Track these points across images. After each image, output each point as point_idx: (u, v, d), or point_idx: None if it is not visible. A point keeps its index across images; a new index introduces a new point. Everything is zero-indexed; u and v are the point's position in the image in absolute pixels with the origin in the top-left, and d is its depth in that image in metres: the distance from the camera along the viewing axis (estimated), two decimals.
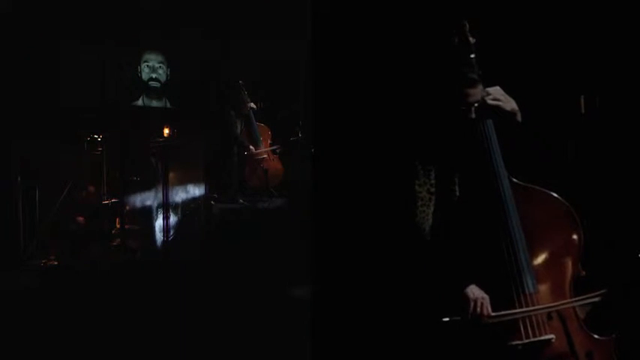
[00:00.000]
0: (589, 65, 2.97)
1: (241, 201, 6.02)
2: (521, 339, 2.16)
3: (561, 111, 2.98)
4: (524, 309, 2.16)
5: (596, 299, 2.23)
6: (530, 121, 2.37)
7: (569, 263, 2.28)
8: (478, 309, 2.11)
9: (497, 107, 2.27)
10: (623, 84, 2.96)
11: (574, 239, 2.28)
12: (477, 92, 2.24)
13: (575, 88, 3.01)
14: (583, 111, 3.01)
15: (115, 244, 5.03)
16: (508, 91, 2.32)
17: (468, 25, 2.28)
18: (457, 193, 2.30)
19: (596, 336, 2.26)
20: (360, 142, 3.06)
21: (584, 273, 2.28)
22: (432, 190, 2.27)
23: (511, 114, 2.29)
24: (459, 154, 2.30)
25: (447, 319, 2.11)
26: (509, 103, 2.30)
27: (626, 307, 2.64)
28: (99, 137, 5.04)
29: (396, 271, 2.62)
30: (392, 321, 2.74)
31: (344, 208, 3.08)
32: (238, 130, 6.37)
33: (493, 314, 2.13)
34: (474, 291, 2.13)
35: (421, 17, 2.89)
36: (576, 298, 2.23)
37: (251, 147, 6.37)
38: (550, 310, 2.20)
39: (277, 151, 6.47)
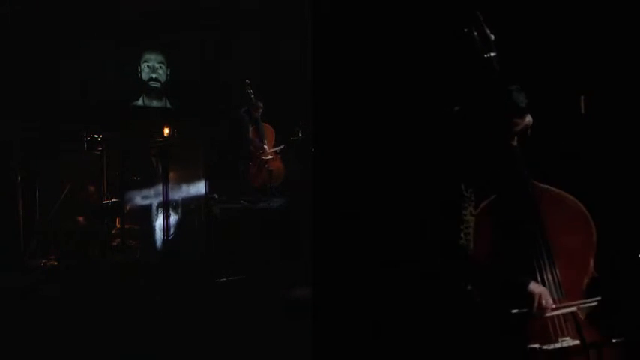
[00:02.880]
0: (589, 65, 2.97)
1: (242, 201, 6.02)
2: (549, 342, 2.18)
3: (561, 111, 2.98)
4: (580, 301, 2.24)
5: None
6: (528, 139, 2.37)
7: (588, 266, 2.30)
8: (543, 301, 2.19)
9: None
10: (623, 84, 2.96)
11: (591, 240, 2.30)
12: (523, 122, 2.23)
13: (575, 88, 3.01)
14: (583, 111, 3.02)
15: (115, 244, 5.02)
16: None
17: (482, 19, 2.28)
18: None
19: (613, 340, 2.27)
20: (360, 142, 3.06)
21: (597, 275, 2.29)
22: (475, 212, 2.28)
23: (527, 126, 2.28)
24: (495, 173, 2.29)
25: (515, 310, 2.18)
26: (528, 117, 2.28)
27: (634, 309, 2.64)
28: (99, 137, 5.03)
29: (395, 269, 2.63)
30: (393, 320, 2.74)
31: (344, 208, 3.07)
32: (250, 132, 6.39)
33: (554, 306, 2.20)
34: (535, 286, 2.21)
35: (427, 18, 2.88)
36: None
37: (264, 146, 6.37)
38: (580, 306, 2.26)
39: (278, 151, 6.48)
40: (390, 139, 2.95)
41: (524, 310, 2.18)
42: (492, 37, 2.26)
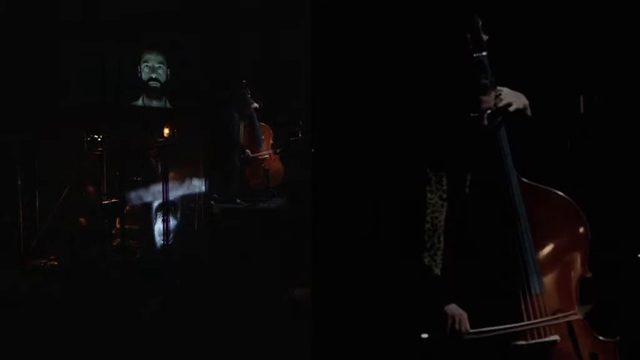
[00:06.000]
0: (589, 65, 2.97)
1: (238, 201, 6.01)
2: (526, 339, 2.17)
3: (561, 111, 2.98)
4: (504, 326, 2.17)
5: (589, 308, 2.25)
6: (530, 120, 2.36)
7: (577, 264, 2.27)
8: (456, 325, 2.16)
9: (509, 108, 2.23)
10: (622, 84, 2.96)
11: (581, 240, 2.27)
12: (490, 99, 2.22)
13: (575, 88, 3.01)
14: (582, 111, 3.01)
15: (115, 244, 5.03)
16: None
17: (481, 22, 2.27)
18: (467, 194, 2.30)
19: (600, 337, 2.26)
20: (360, 142, 3.06)
21: (590, 274, 2.27)
22: (444, 196, 2.26)
23: (523, 110, 2.27)
24: (470, 157, 2.28)
25: (425, 335, 2.16)
26: (520, 100, 2.27)
27: (630, 308, 2.63)
28: (99, 137, 5.03)
29: (395, 271, 2.63)
30: (392, 321, 2.74)
31: (344, 208, 3.07)
32: (241, 132, 6.37)
33: (471, 331, 2.17)
34: (452, 309, 2.18)
35: (427, 16, 2.88)
36: (573, 312, 2.24)
37: (247, 150, 6.36)
38: (539, 325, 2.20)
39: (278, 151, 6.47)
40: (390, 139, 2.94)
41: (436, 334, 2.14)
42: (485, 37, 2.26)
